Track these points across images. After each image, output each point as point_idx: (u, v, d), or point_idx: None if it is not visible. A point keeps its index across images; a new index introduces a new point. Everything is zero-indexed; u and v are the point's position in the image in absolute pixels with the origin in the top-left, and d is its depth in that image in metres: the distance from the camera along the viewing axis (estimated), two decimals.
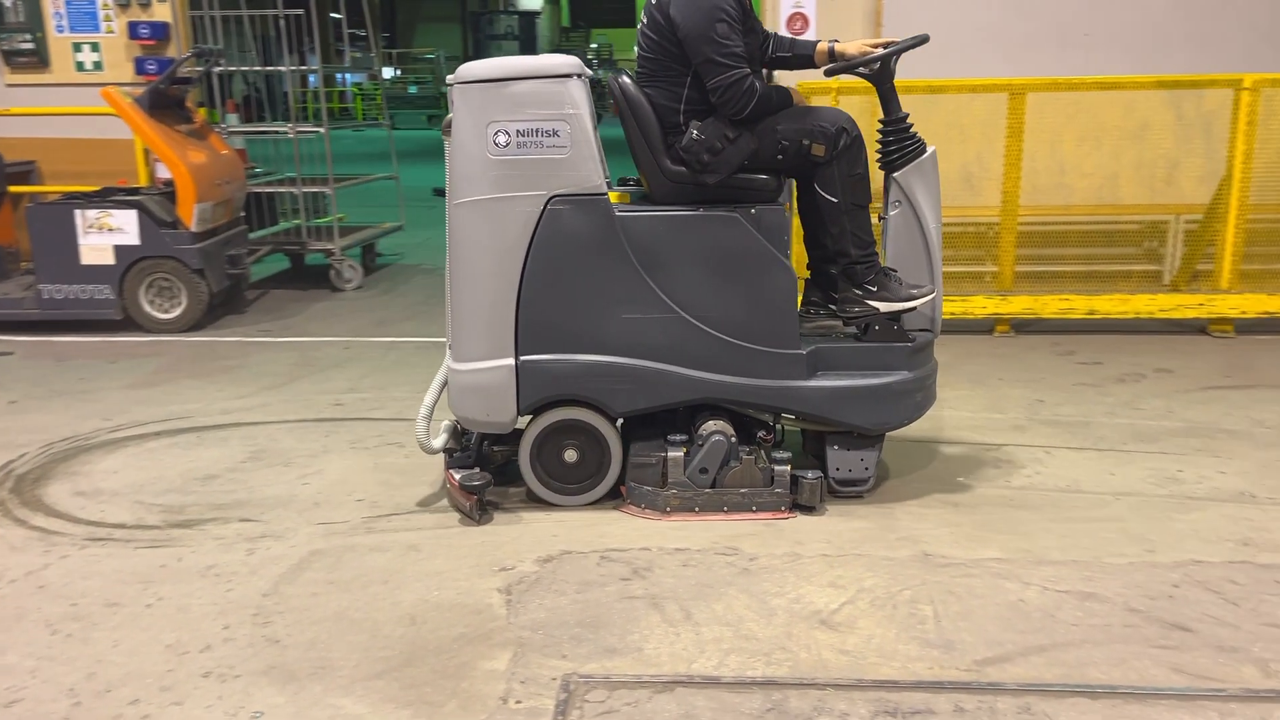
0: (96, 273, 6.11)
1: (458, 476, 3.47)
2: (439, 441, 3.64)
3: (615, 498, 3.59)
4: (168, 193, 6.23)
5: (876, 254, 3.56)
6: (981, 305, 5.82)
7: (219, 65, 7.33)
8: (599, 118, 3.46)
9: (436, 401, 3.63)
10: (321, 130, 7.52)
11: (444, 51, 33.16)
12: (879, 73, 3.49)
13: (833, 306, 3.65)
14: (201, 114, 6.91)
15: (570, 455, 3.55)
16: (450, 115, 3.39)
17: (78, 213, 6.05)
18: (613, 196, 3.46)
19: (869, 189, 3.54)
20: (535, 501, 3.59)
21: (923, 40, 3.46)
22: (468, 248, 3.42)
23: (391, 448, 4.19)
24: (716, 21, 3.33)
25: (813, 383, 3.46)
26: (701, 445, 3.44)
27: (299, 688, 2.51)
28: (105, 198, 6.20)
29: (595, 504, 3.56)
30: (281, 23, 7.47)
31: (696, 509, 3.46)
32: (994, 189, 5.89)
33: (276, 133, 7.91)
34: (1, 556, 3.24)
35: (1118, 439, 4.17)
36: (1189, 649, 2.61)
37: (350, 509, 3.58)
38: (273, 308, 6.95)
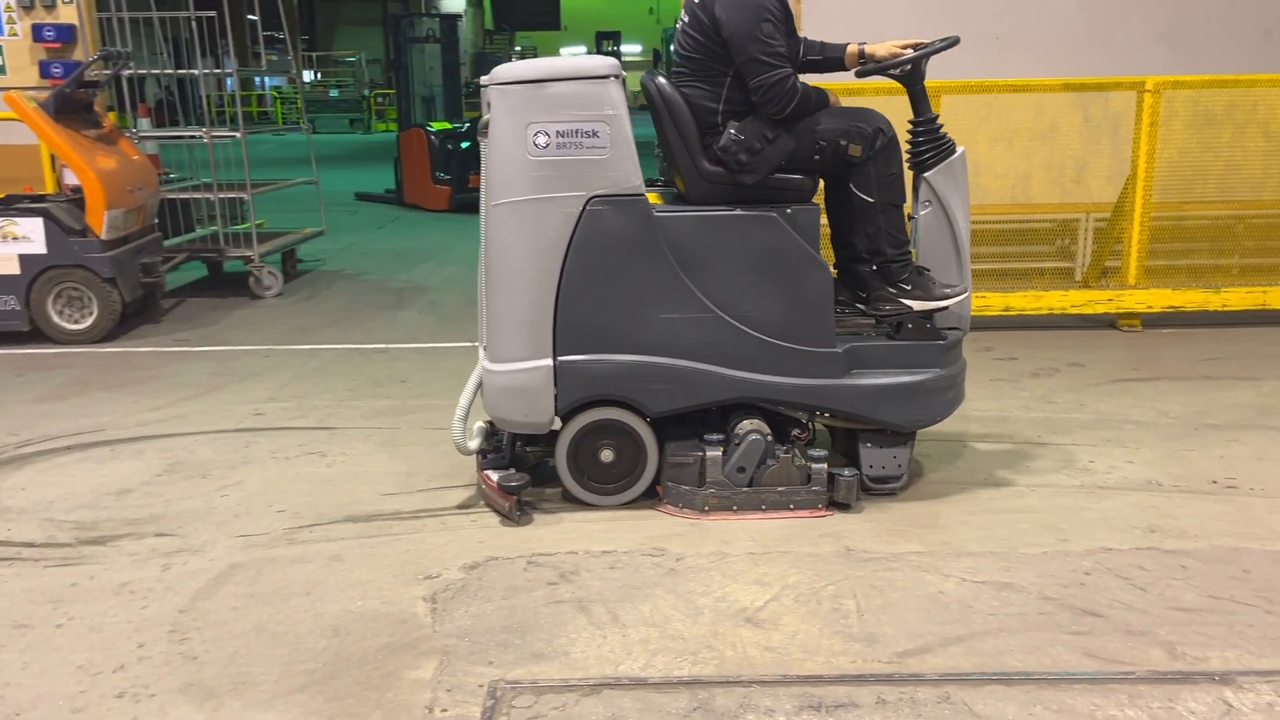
0: (1, 283, 5.90)
1: (495, 477, 3.48)
2: (475, 443, 3.61)
3: (650, 497, 3.60)
4: (76, 200, 6.04)
5: (910, 253, 3.60)
6: None
7: (128, 68, 7.13)
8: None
9: (472, 402, 3.59)
10: (238, 134, 7.36)
11: (365, 54, 32.76)
12: (910, 74, 3.53)
13: (860, 305, 3.69)
14: (111, 118, 6.72)
15: (606, 455, 3.55)
16: (486, 117, 3.37)
17: None
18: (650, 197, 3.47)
19: (904, 189, 3.58)
20: (571, 501, 3.59)
21: (954, 42, 3.52)
22: (506, 248, 3.40)
23: (314, 457, 4.12)
24: (762, 21, 3.35)
25: (849, 381, 3.49)
26: (738, 444, 3.44)
27: (218, 704, 2.45)
28: (9, 205, 5.98)
29: (631, 504, 3.57)
30: (194, 24, 7.30)
31: (735, 508, 3.47)
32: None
33: (191, 137, 7.73)
34: None
35: (1033, 432, 4.28)
36: (1100, 634, 2.70)
37: (271, 520, 3.51)
38: (189, 316, 6.79)
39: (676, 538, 3.32)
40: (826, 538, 3.31)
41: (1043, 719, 2.34)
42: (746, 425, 3.48)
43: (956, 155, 3.58)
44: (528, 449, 3.68)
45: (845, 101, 3.72)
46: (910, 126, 3.59)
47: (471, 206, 11.82)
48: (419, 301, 7.11)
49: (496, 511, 3.52)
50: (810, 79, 3.59)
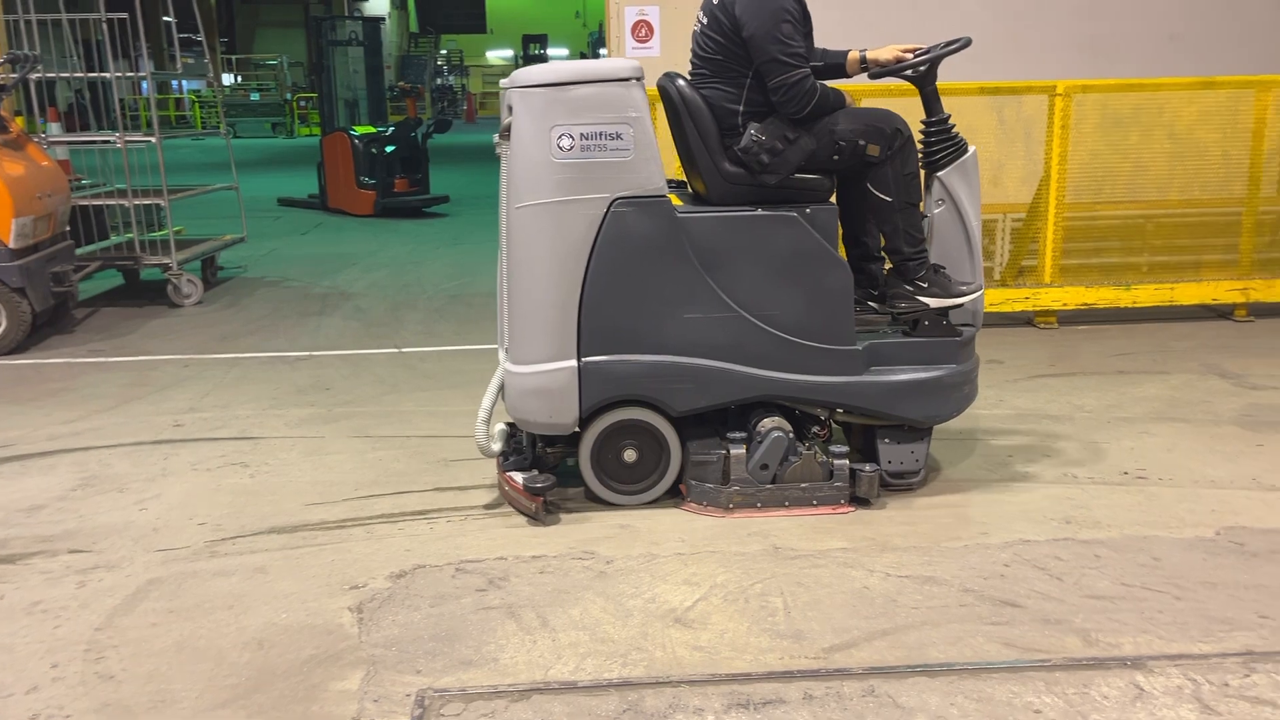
0: None
1: (520, 479, 3.48)
2: (498, 445, 3.60)
3: (673, 496, 3.62)
4: None
5: (927, 251, 3.65)
6: None
7: (36, 71, 6.91)
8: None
9: (494, 404, 3.58)
10: (153, 139, 7.18)
11: (287, 57, 32.21)
12: (924, 76, 3.60)
13: (872, 304, 3.73)
14: (18, 123, 6.50)
15: (629, 455, 3.56)
16: (507, 120, 3.38)
17: None
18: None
19: (920, 187, 3.63)
20: (594, 501, 3.60)
21: (966, 43, 3.56)
22: (530, 251, 3.41)
23: (236, 468, 4.03)
24: (782, 22, 3.39)
25: (868, 378, 3.53)
26: (761, 442, 3.47)
27: None
28: None
29: (654, 503, 3.59)
30: (105, 26, 7.11)
31: (759, 505, 3.50)
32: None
33: (104, 142, 7.52)
34: None
35: (954, 428, 4.37)
36: (1018, 624, 2.77)
37: (192, 533, 3.44)
38: (104, 326, 6.60)
39: (606, 540, 3.33)
40: (754, 536, 3.34)
41: (964, 708, 2.40)
42: (769, 423, 3.51)
43: (969, 154, 3.65)
44: (548, 450, 3.67)
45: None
46: (923, 126, 3.67)
47: (397, 211, 11.71)
48: (344, 308, 7.02)
49: (521, 513, 3.52)
50: None
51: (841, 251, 3.78)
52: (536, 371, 3.44)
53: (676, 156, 3.75)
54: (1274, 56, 6.96)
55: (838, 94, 3.56)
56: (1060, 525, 3.39)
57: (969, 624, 2.77)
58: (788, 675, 2.55)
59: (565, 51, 42.47)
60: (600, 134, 3.31)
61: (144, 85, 8.07)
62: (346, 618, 2.86)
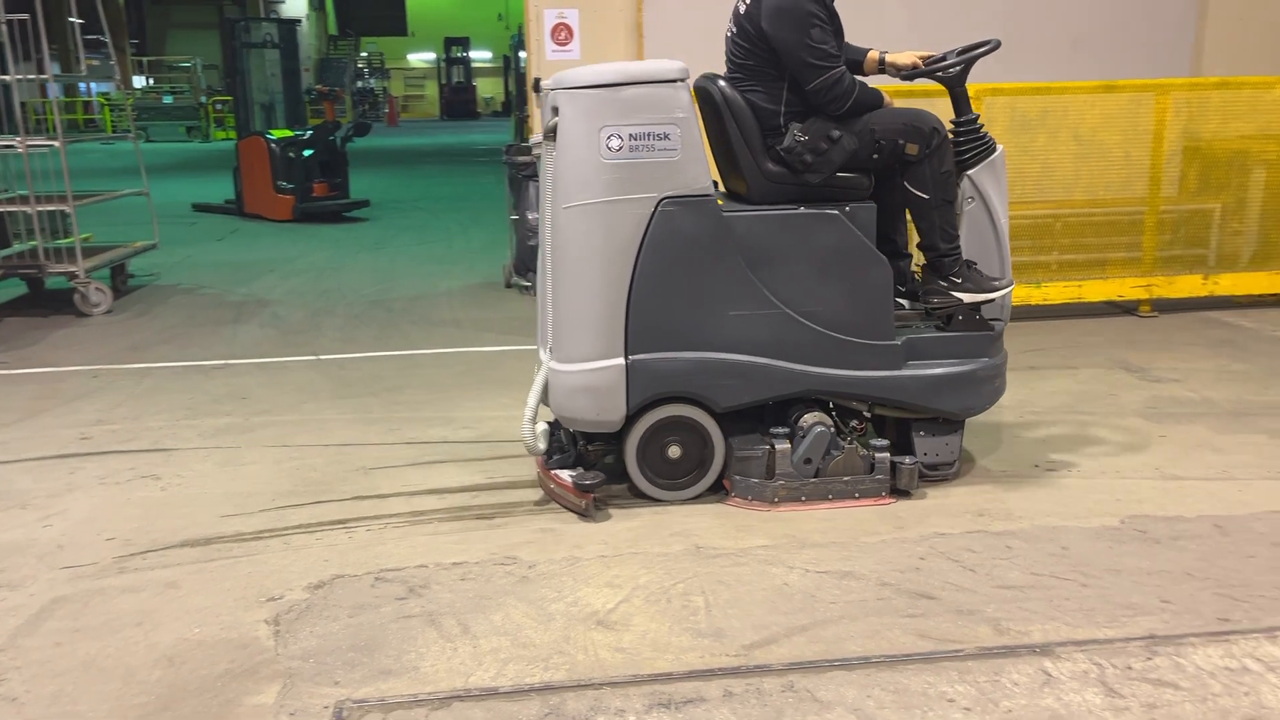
0: None
1: (568, 476, 3.51)
2: (544, 444, 3.60)
3: (715, 491, 3.66)
4: None
5: (960, 247, 3.71)
6: None
7: None
8: None
9: (539, 404, 3.57)
10: (56, 143, 6.95)
11: (201, 59, 31.46)
12: (956, 77, 3.67)
13: (900, 300, 3.78)
14: None
15: (674, 451, 3.60)
16: (553, 120, 3.40)
17: None
18: None
19: (955, 186, 3.68)
20: (639, 497, 3.64)
21: (996, 45, 3.64)
22: (578, 250, 3.44)
23: (147, 481, 3.93)
24: (810, 28, 3.45)
25: (907, 372, 3.60)
26: (803, 436, 3.53)
27: None
28: None
29: (697, 499, 3.64)
30: (4, 28, 6.86)
31: (803, 498, 3.56)
32: None
33: (5, 147, 7.25)
34: None
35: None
36: (933, 615, 2.83)
37: (100, 549, 3.33)
38: (7, 337, 6.37)
39: (528, 545, 3.32)
40: (676, 536, 3.36)
41: (880, 700, 2.44)
42: (811, 418, 3.58)
43: (997, 153, 3.73)
44: (589, 447, 3.70)
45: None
46: (952, 126, 3.73)
47: (317, 216, 11.52)
48: (261, 315, 6.87)
49: (569, 510, 3.55)
50: None
51: None
52: (584, 370, 3.48)
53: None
54: (1172, 61, 7.24)
55: (875, 92, 3.63)
56: (974, 518, 3.47)
57: (885, 617, 2.82)
58: (708, 673, 2.57)
59: (489, 54, 42.21)
60: (649, 134, 3.36)
61: (50, 88, 7.79)
62: (262, 630, 2.81)
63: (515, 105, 14.60)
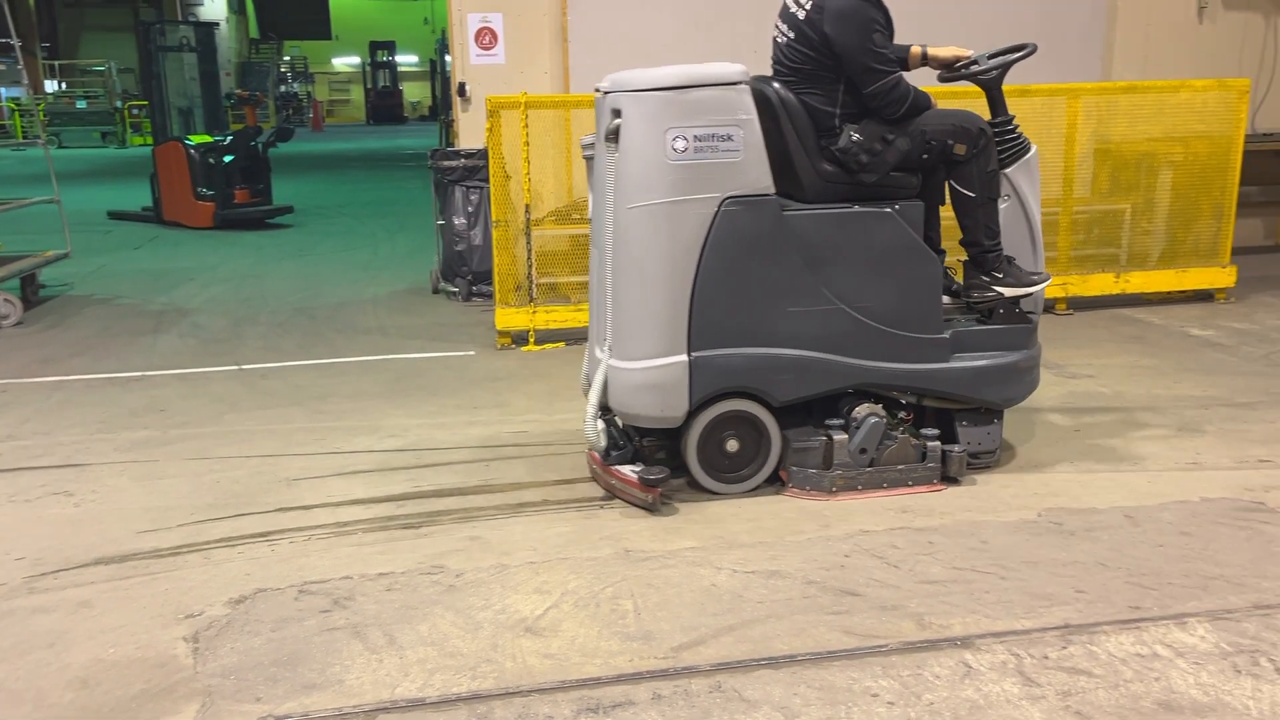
0: None
1: (633, 472, 3.57)
2: (605, 440, 3.65)
3: (772, 483, 3.74)
4: None
5: (1001, 243, 3.83)
6: None
7: None
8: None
9: (601, 401, 3.63)
10: None
11: (116, 63, 30.62)
12: (994, 79, 3.81)
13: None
14: None
15: (732, 445, 3.66)
16: (616, 122, 3.46)
17: None
18: None
19: (999, 184, 3.81)
20: (699, 491, 3.70)
21: (1032, 50, 3.79)
22: (643, 250, 3.51)
23: (59, 497, 3.81)
24: (872, 33, 3.56)
25: (954, 364, 3.73)
26: (858, 427, 3.63)
27: None
28: None
29: (754, 491, 3.71)
30: None
31: (859, 487, 3.66)
32: None
33: None
34: None
35: None
36: (858, 612, 2.87)
37: (8, 570, 3.22)
38: None
39: (456, 554, 3.29)
40: (606, 540, 3.36)
41: (806, 697, 2.47)
42: (864, 409, 3.67)
43: (1031, 153, 3.88)
44: (644, 442, 3.73)
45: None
46: (989, 126, 3.81)
47: (239, 223, 11.29)
48: (180, 325, 6.71)
49: (634, 504, 3.59)
50: None
51: None
52: (648, 367, 3.54)
53: None
54: (1084, 66, 7.46)
55: (925, 94, 3.73)
56: (897, 515, 3.53)
57: (811, 615, 2.86)
58: (637, 677, 2.57)
59: (415, 58, 41.79)
60: (713, 135, 3.44)
61: None
62: (181, 648, 2.74)
63: (442, 110, 14.48)
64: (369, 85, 40.00)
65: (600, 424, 3.66)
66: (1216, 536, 3.30)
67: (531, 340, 5.96)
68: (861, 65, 3.59)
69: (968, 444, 3.82)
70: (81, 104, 28.60)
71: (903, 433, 3.72)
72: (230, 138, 11.82)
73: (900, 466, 3.70)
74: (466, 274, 7.28)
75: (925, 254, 3.72)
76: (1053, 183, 6.44)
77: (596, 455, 3.76)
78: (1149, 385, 4.97)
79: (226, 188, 11.30)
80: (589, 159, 3.88)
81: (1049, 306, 6.61)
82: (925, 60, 3.92)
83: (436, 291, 7.55)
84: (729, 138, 3.46)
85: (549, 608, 2.93)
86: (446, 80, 12.22)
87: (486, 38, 7.10)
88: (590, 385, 3.70)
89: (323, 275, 8.48)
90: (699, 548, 3.30)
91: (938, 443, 3.73)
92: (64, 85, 31.17)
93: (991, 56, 3.84)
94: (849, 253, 3.65)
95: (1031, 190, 3.93)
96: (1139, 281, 6.61)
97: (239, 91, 26.66)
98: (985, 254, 3.84)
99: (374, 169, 19.25)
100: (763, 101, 3.67)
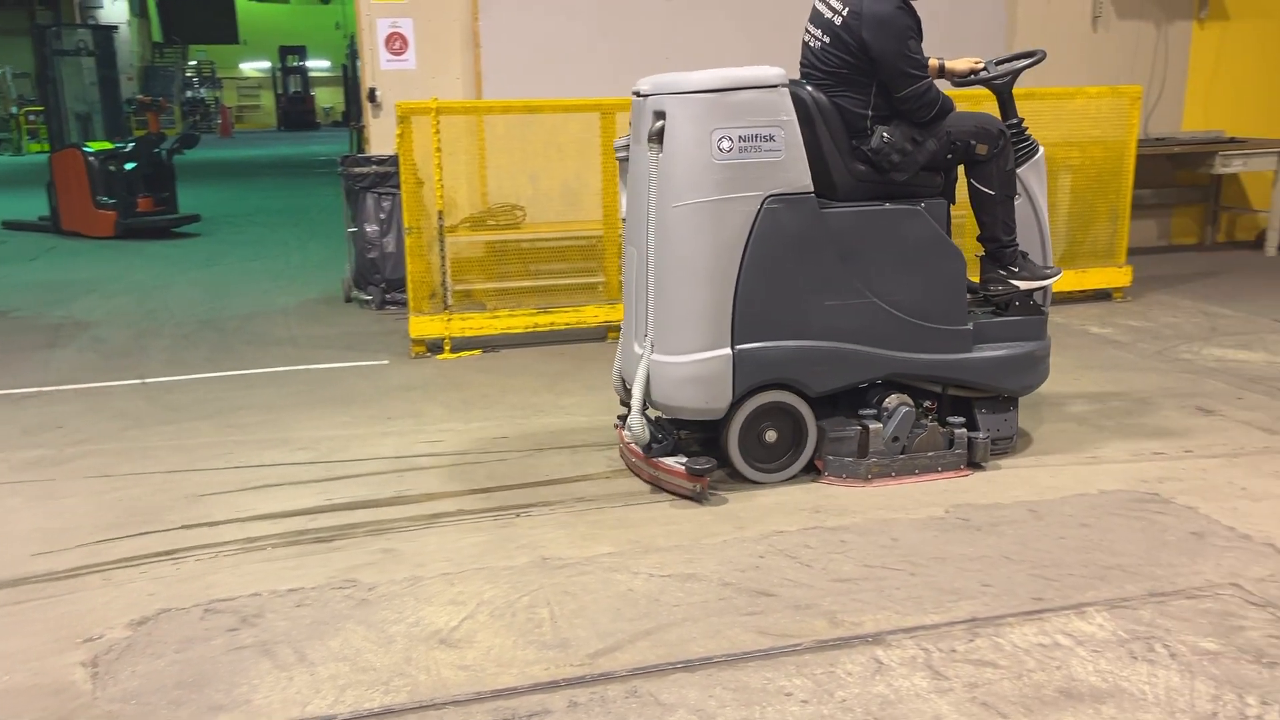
0: None
1: (676, 463, 3.67)
2: (649, 434, 3.72)
3: (807, 471, 3.87)
4: None
5: (1017, 239, 4.01)
6: (593, 314, 6.11)
7: None
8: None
9: (645, 395, 3.70)
10: None
11: (10, 68, 29.47)
12: (1006, 84, 4.04)
13: None
14: None
15: (770, 435, 3.79)
16: (659, 124, 3.57)
17: None
18: None
19: (1016, 182, 3.99)
20: (739, 481, 3.81)
21: (1042, 56, 4.00)
22: (688, 247, 3.62)
23: None
24: (908, 39, 3.71)
25: (976, 354, 3.90)
26: (891, 416, 3.79)
27: None
28: None
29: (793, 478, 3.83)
30: None
31: (893, 474, 3.83)
32: (595, 203, 6.19)
33: None
34: None
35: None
36: (772, 612, 2.90)
37: None
38: None
39: (368, 567, 3.24)
40: (522, 549, 3.34)
41: (721, 699, 2.49)
42: (895, 399, 3.83)
43: (1039, 154, 4.09)
44: (680, 433, 3.84)
45: None
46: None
47: (142, 232, 10.95)
48: (80, 338, 6.48)
49: (679, 495, 3.69)
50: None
51: None
52: (692, 360, 3.64)
53: None
54: None
55: (949, 98, 3.89)
56: (810, 515, 3.58)
57: (727, 616, 2.88)
58: (553, 685, 2.56)
59: (327, 63, 41.03)
60: (756, 136, 3.56)
61: None
62: (78, 674, 2.64)
63: (353, 116, 14.27)
64: (280, 91, 39.17)
65: (640, 418, 3.72)
66: (1114, 527, 3.41)
67: (447, 348, 5.89)
68: (897, 70, 3.73)
69: (987, 430, 3.98)
70: None
71: (931, 421, 3.87)
72: (132, 144, 11.46)
73: (930, 453, 3.87)
74: (379, 282, 7.17)
75: (951, 249, 3.89)
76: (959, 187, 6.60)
77: (636, 449, 3.83)
78: (1051, 382, 5.08)
79: (128, 196, 10.96)
80: (622, 160, 4.00)
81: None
82: (942, 73, 4.10)
83: (349, 300, 7.43)
84: (771, 138, 3.58)
85: (464, 619, 2.90)
86: (358, 86, 12.04)
87: (397, 43, 7.02)
88: (623, 382, 3.78)
89: (231, 285, 8.28)
90: (615, 553, 3.30)
91: (964, 430, 3.89)
92: None
93: (999, 63, 4.06)
94: (881, 249, 3.81)
95: (1040, 189, 4.15)
96: None
97: (141, 97, 25.88)
98: (1003, 249, 4.03)
99: (285, 176, 18.85)
100: (798, 104, 3.77)
